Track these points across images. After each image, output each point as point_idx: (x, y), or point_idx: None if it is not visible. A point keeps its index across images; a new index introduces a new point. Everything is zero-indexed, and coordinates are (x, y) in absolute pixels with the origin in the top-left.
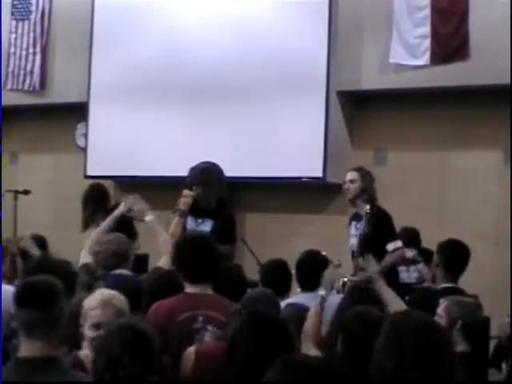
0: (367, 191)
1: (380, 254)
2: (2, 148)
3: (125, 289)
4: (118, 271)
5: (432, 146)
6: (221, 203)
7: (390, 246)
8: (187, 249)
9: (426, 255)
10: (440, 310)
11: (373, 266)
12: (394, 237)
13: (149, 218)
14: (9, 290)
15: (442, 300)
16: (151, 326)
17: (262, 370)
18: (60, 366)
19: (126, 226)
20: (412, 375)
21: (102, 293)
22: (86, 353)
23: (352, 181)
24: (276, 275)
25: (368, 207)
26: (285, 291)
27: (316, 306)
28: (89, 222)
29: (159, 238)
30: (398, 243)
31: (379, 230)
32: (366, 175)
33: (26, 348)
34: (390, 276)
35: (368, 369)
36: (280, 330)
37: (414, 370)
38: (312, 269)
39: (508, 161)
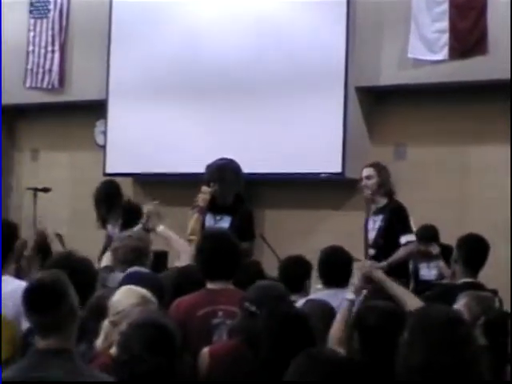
0: (384, 186)
1: (394, 247)
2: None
3: (144, 286)
4: (133, 269)
5: (451, 141)
6: (238, 199)
7: (403, 239)
8: (208, 246)
9: (445, 251)
10: (460, 306)
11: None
12: (408, 230)
13: (160, 228)
14: (21, 286)
15: (460, 296)
16: (173, 322)
17: (284, 366)
18: (71, 358)
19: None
20: (439, 369)
21: (136, 290)
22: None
23: (368, 177)
24: (294, 271)
25: (385, 201)
26: (303, 287)
27: (343, 310)
28: (105, 220)
29: (173, 244)
30: (411, 237)
31: (394, 223)
32: (382, 170)
33: (40, 344)
34: (403, 271)
35: (386, 360)
36: (301, 325)
37: (441, 363)
38: (336, 265)
39: None
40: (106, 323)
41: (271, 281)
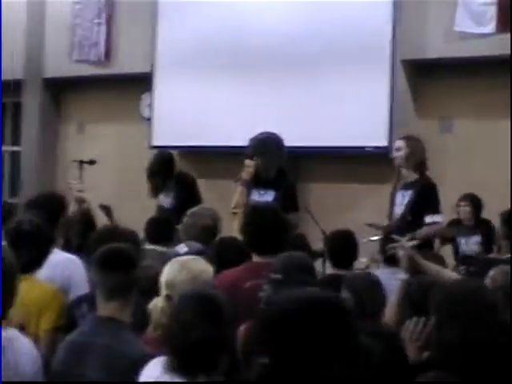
0: (413, 158)
1: (421, 224)
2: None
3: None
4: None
5: (498, 114)
6: (281, 173)
7: (428, 219)
8: (257, 220)
9: (484, 226)
10: (488, 279)
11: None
12: (435, 210)
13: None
14: (67, 258)
15: (491, 271)
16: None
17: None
18: (121, 327)
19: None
20: (475, 342)
21: (189, 263)
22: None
23: (398, 149)
24: (341, 246)
25: (416, 176)
26: (349, 262)
27: (398, 291)
28: (159, 189)
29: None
30: (437, 217)
31: (422, 201)
32: (412, 142)
33: (102, 308)
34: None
35: None
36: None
37: (476, 335)
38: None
39: None
40: (159, 298)
41: (315, 254)
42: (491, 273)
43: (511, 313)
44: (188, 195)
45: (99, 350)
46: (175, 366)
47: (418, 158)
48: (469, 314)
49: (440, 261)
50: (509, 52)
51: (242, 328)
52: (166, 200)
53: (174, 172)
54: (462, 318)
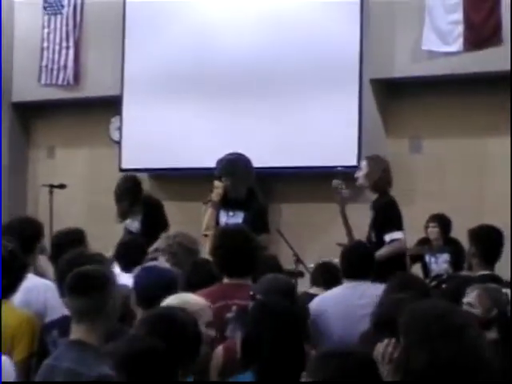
0: (371, 178)
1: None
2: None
3: (157, 280)
4: (152, 263)
5: (467, 133)
6: (251, 194)
7: (387, 237)
8: (227, 243)
9: (453, 245)
10: (471, 298)
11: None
12: (393, 228)
13: None
14: (43, 283)
15: (468, 289)
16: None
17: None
18: (88, 350)
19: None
20: (442, 365)
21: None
22: None
23: (360, 169)
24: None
25: (376, 196)
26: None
27: None
28: (126, 213)
29: None
30: (396, 234)
31: (382, 220)
32: (372, 162)
33: (73, 331)
34: (399, 268)
35: None
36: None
37: (443, 358)
38: (357, 258)
39: None
40: None
41: (287, 275)
42: (474, 293)
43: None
44: (155, 219)
45: (62, 372)
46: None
47: (376, 177)
48: (436, 337)
49: None
50: (475, 70)
51: (221, 347)
52: (132, 224)
53: (141, 196)
54: (429, 340)
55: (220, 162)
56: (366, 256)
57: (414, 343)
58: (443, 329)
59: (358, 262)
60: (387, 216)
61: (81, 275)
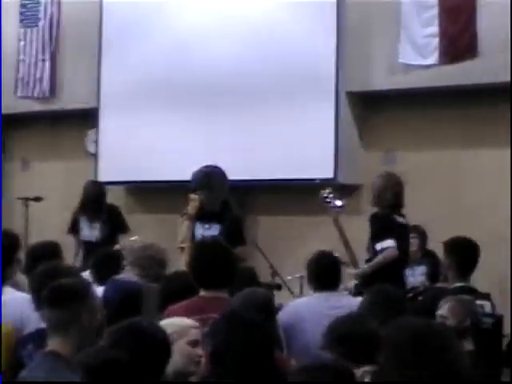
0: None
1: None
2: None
3: (123, 293)
4: (119, 276)
5: (442, 146)
6: (226, 206)
7: (378, 247)
8: (204, 255)
9: (430, 257)
10: (444, 311)
11: None
12: (382, 237)
13: None
14: (20, 296)
15: (442, 301)
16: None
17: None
18: (59, 361)
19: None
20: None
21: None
22: None
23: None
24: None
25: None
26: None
27: None
28: (76, 224)
29: None
30: (386, 243)
31: (372, 231)
32: (378, 179)
33: (49, 343)
34: (390, 276)
35: None
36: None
37: (416, 376)
38: (326, 269)
39: None
40: None
41: (264, 287)
42: (447, 305)
43: (477, 344)
44: (118, 225)
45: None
46: None
47: (377, 192)
48: (410, 358)
49: None
50: (451, 83)
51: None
52: (91, 233)
53: (105, 203)
54: (402, 361)
55: (195, 174)
56: (332, 266)
57: (388, 362)
58: (418, 350)
59: (324, 273)
60: (376, 226)
61: (59, 287)
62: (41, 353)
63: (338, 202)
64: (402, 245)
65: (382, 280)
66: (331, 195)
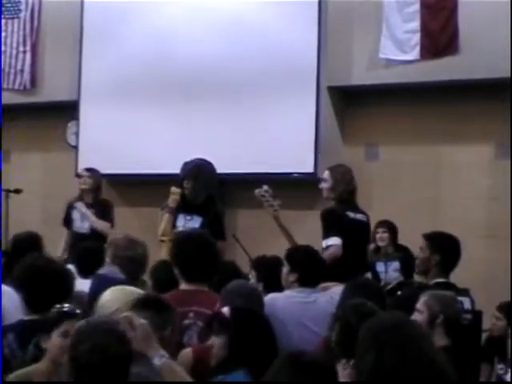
0: (335, 190)
1: None
2: None
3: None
4: (103, 271)
5: (423, 141)
6: (210, 200)
7: (323, 244)
8: (188, 248)
9: (402, 252)
10: (419, 304)
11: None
12: (327, 235)
13: None
14: (5, 289)
15: (421, 295)
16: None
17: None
18: None
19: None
20: (388, 371)
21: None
22: None
23: (324, 180)
24: (268, 272)
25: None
26: (276, 286)
27: None
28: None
29: None
30: (330, 241)
31: (322, 227)
32: (335, 174)
33: None
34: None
35: None
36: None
37: (390, 365)
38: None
39: (500, 154)
40: None
41: (246, 279)
42: (422, 299)
43: (452, 340)
44: (104, 220)
45: None
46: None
47: (341, 189)
48: (383, 346)
49: None
50: (432, 78)
51: (189, 350)
52: (83, 225)
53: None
54: (376, 349)
55: (186, 164)
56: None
57: (363, 350)
58: (391, 339)
59: (314, 269)
60: (323, 224)
61: None
62: None
63: (274, 199)
64: (352, 242)
65: (331, 279)
66: (267, 193)
